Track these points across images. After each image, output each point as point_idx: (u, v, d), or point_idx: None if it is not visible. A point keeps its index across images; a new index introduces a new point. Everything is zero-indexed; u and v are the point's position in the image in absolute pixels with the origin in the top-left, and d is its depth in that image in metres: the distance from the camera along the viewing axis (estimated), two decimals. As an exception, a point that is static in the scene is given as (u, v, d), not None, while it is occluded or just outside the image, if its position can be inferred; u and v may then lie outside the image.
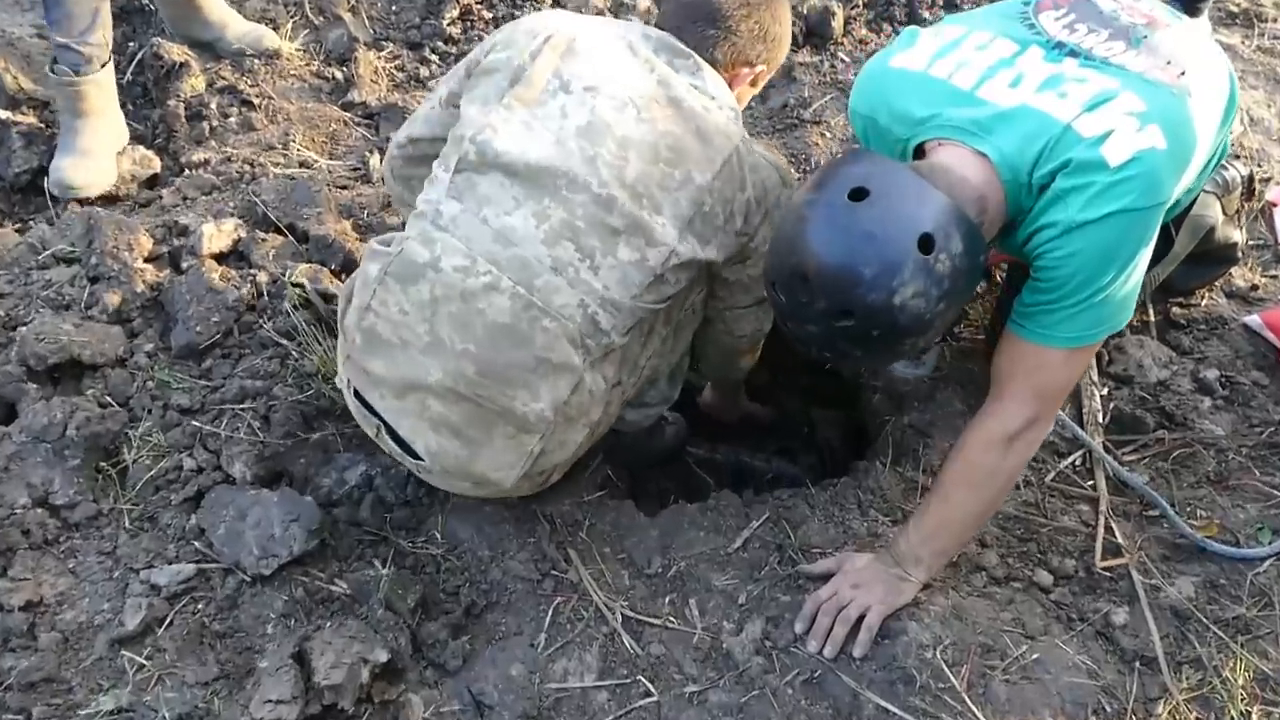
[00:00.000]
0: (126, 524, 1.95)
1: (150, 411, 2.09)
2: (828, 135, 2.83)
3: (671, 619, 1.82)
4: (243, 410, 2.08)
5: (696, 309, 1.92)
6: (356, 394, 1.79)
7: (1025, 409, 1.63)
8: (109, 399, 2.10)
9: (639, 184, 1.62)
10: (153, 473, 2.00)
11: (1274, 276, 2.62)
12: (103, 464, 2.02)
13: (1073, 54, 1.63)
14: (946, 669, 1.66)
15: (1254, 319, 2.47)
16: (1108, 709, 1.63)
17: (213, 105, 2.90)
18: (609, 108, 1.63)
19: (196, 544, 1.90)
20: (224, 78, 2.98)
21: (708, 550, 1.93)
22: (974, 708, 1.61)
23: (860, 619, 1.72)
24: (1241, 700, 1.63)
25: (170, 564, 1.88)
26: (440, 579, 1.89)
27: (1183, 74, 1.64)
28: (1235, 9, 3.35)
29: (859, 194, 1.42)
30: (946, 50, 1.67)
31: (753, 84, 1.89)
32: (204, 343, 2.18)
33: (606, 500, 2.04)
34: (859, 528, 1.96)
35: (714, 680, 1.72)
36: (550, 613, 1.83)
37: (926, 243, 1.39)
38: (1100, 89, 1.54)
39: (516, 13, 3.35)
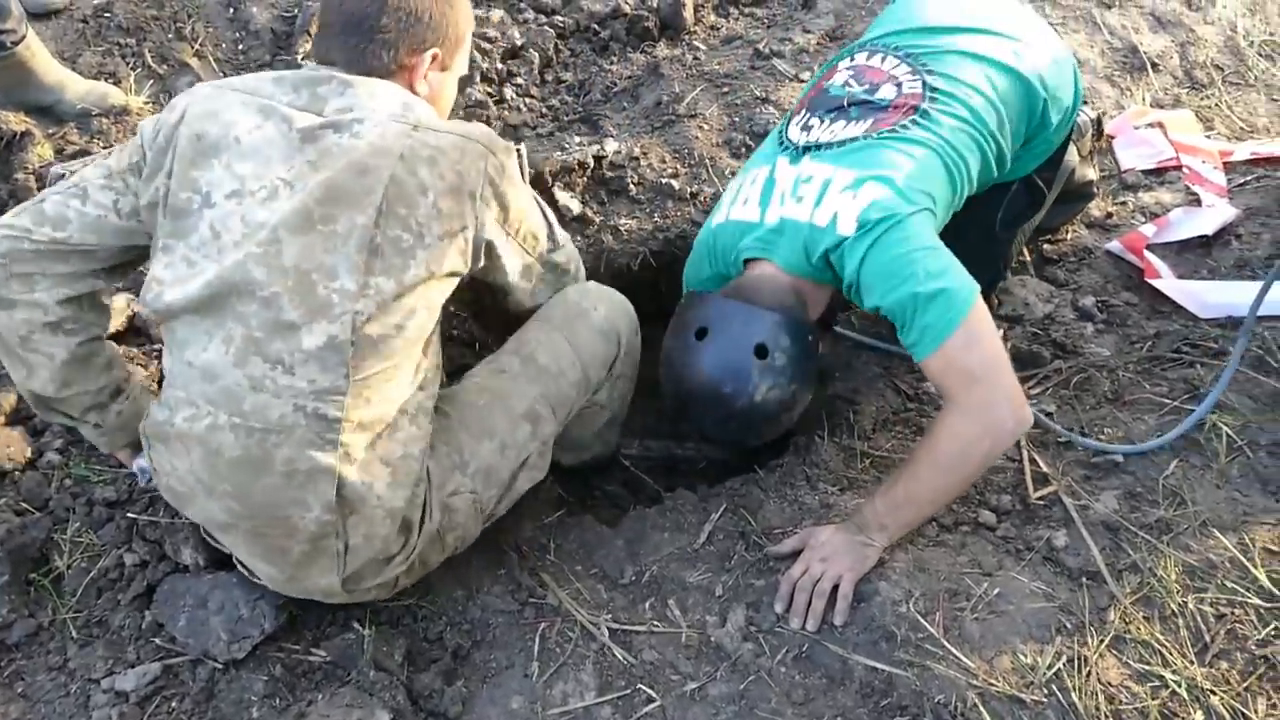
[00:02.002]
0: (73, 634, 1.86)
1: (74, 511, 1.99)
2: (706, 127, 2.90)
3: (656, 623, 1.87)
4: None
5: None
6: None
7: (973, 396, 1.73)
8: (26, 505, 1.98)
9: (300, 263, 1.53)
10: (91, 575, 1.91)
11: (1123, 204, 2.86)
12: (33, 575, 1.91)
13: (807, 150, 1.93)
14: (921, 619, 1.77)
15: (1114, 245, 2.69)
16: (1068, 625, 1.77)
17: (66, 174, 2.73)
18: (257, 204, 1.55)
19: (157, 640, 1.83)
20: (73, 142, 2.81)
21: (675, 550, 1.99)
22: (954, 650, 1.72)
23: (834, 589, 1.81)
24: (1177, 593, 1.80)
25: (133, 667, 1.81)
26: (421, 628, 1.88)
27: (914, 107, 1.93)
28: (1045, -41, 3.60)
29: (701, 333, 1.83)
30: (735, 196, 2.00)
31: (442, 68, 1.75)
32: (119, 429, 2.08)
33: (566, 519, 2.07)
34: (812, 502, 2.05)
35: (710, 674, 1.77)
36: (537, 640, 1.85)
37: (761, 350, 1.79)
38: (820, 182, 1.86)
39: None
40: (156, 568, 1.91)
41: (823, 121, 1.97)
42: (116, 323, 2.24)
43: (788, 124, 2.05)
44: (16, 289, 1.66)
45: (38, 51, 2.83)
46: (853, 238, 1.78)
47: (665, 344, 1.94)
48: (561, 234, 1.94)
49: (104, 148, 2.82)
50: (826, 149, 1.90)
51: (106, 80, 3.03)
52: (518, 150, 1.81)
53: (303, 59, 1.75)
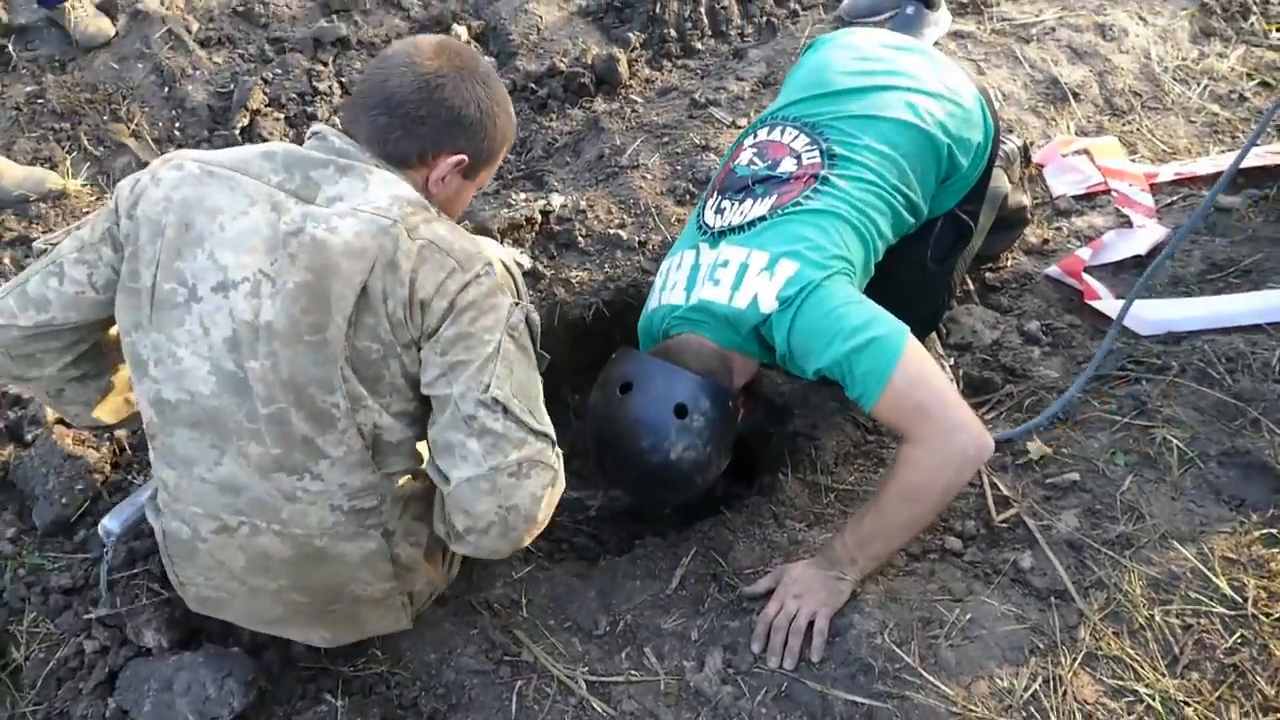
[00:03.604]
0: (34, 727, 1.80)
1: (29, 601, 1.94)
2: (649, 177, 2.95)
3: (634, 672, 1.86)
4: (135, 575, 1.95)
5: None
6: None
7: (930, 428, 1.77)
8: (-21, 598, 1.93)
9: (295, 376, 1.49)
10: (51, 665, 1.87)
11: (1058, 229, 2.95)
12: (-11, 670, 1.85)
13: (722, 234, 2.00)
14: (897, 649, 1.78)
15: (1053, 269, 2.77)
16: (1040, 646, 1.79)
17: (5, 259, 2.70)
18: (242, 299, 1.49)
19: (121, 728, 1.78)
20: (11, 229, 2.79)
21: (648, 597, 1.98)
22: (931, 678, 1.73)
23: (810, 625, 1.82)
24: (1144, 607, 1.84)
25: (97, 757, 1.75)
26: (394, 695, 1.85)
27: (814, 175, 1.99)
28: (964, 0, 3.74)
29: (625, 387, 1.90)
30: (665, 282, 2.08)
31: (465, 175, 1.67)
32: (73, 514, 2.04)
33: (536, 573, 2.06)
34: (780, 539, 2.06)
35: (692, 720, 1.77)
36: (514, 698, 1.83)
37: (681, 410, 1.85)
38: (737, 265, 1.92)
39: (308, 108, 3.31)
40: (118, 653, 1.87)
41: (732, 203, 2.04)
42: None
43: (704, 208, 2.12)
44: (24, 368, 1.69)
45: None
46: (776, 311, 1.84)
47: (591, 396, 2.00)
48: (543, 423, 1.58)
49: (44, 232, 2.79)
50: (739, 231, 1.97)
51: (43, 165, 3.01)
52: (527, 315, 1.64)
53: (311, 127, 1.65)
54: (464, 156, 1.64)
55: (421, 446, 1.65)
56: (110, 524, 1.82)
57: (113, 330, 1.69)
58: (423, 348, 1.54)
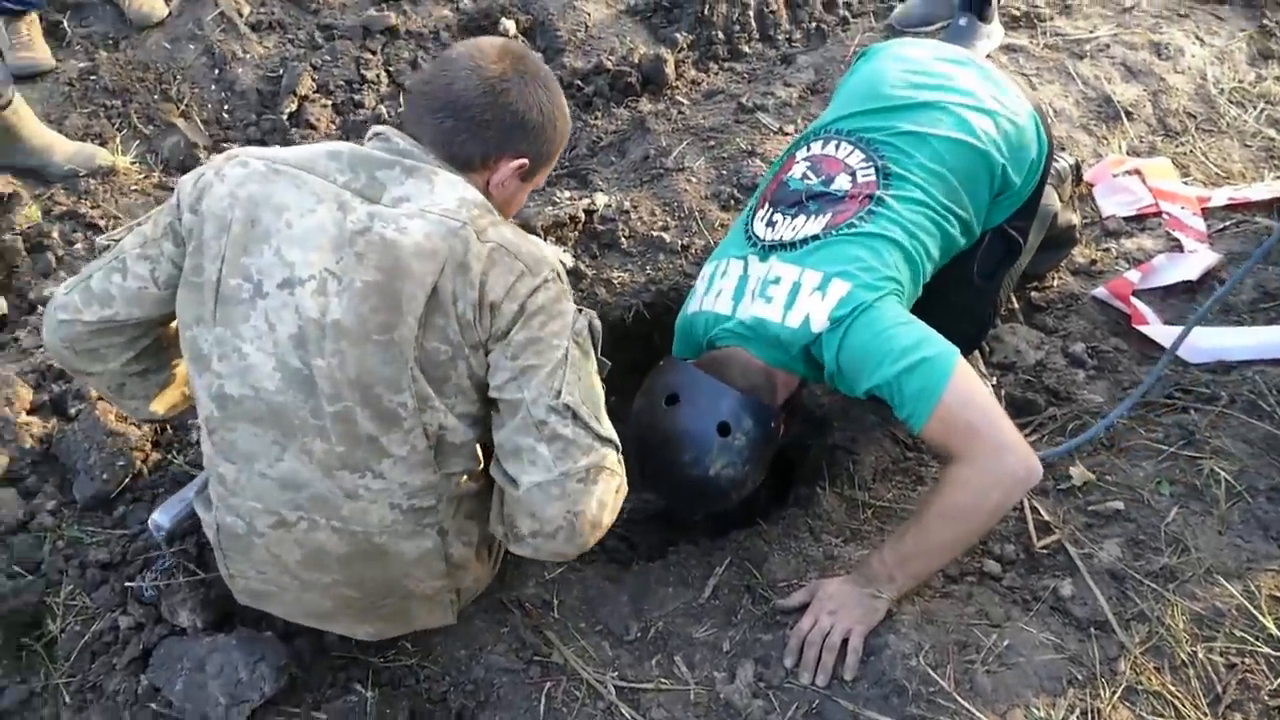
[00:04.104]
0: (66, 699, 1.82)
1: (67, 574, 1.95)
2: (694, 180, 2.93)
3: (663, 680, 1.84)
4: (172, 554, 1.96)
5: None
6: None
7: (979, 449, 1.75)
8: (18, 569, 1.95)
9: (362, 375, 1.49)
10: (86, 639, 1.87)
11: (1107, 250, 2.90)
12: (25, 640, 1.87)
13: (773, 248, 1.98)
14: (932, 672, 1.76)
15: (1101, 291, 2.73)
16: (1079, 677, 1.76)
17: (54, 234, 2.73)
18: (308, 296, 1.48)
19: (153, 706, 1.80)
20: (61, 203, 2.81)
21: (681, 605, 1.97)
22: (966, 704, 1.71)
23: (844, 642, 1.80)
24: (1186, 642, 1.80)
25: (128, 734, 1.76)
26: (423, 689, 1.85)
27: (870, 195, 1.97)
28: (1017, 13, 3.69)
29: (672, 399, 1.91)
30: (709, 286, 2.06)
31: (523, 177, 1.68)
32: (113, 490, 2.05)
33: (568, 575, 2.05)
34: (816, 554, 2.04)
35: (721, 732, 1.75)
36: (543, 699, 1.82)
37: (724, 428, 1.86)
38: (789, 284, 1.91)
39: (355, 96, 3.32)
40: (153, 630, 1.87)
41: (785, 218, 2.02)
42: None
43: (752, 217, 2.10)
44: (88, 363, 1.71)
45: (24, 115, 2.84)
46: (827, 330, 1.84)
47: (636, 402, 2.00)
48: (607, 429, 1.60)
49: (93, 208, 2.82)
50: (791, 248, 1.95)
51: (93, 141, 3.04)
52: (590, 321, 1.65)
53: (372, 129, 1.65)
54: (525, 160, 1.64)
55: (479, 448, 1.65)
56: (160, 518, 1.83)
57: (173, 325, 1.69)
58: (491, 350, 1.54)
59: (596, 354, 1.66)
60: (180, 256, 1.58)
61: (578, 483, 1.52)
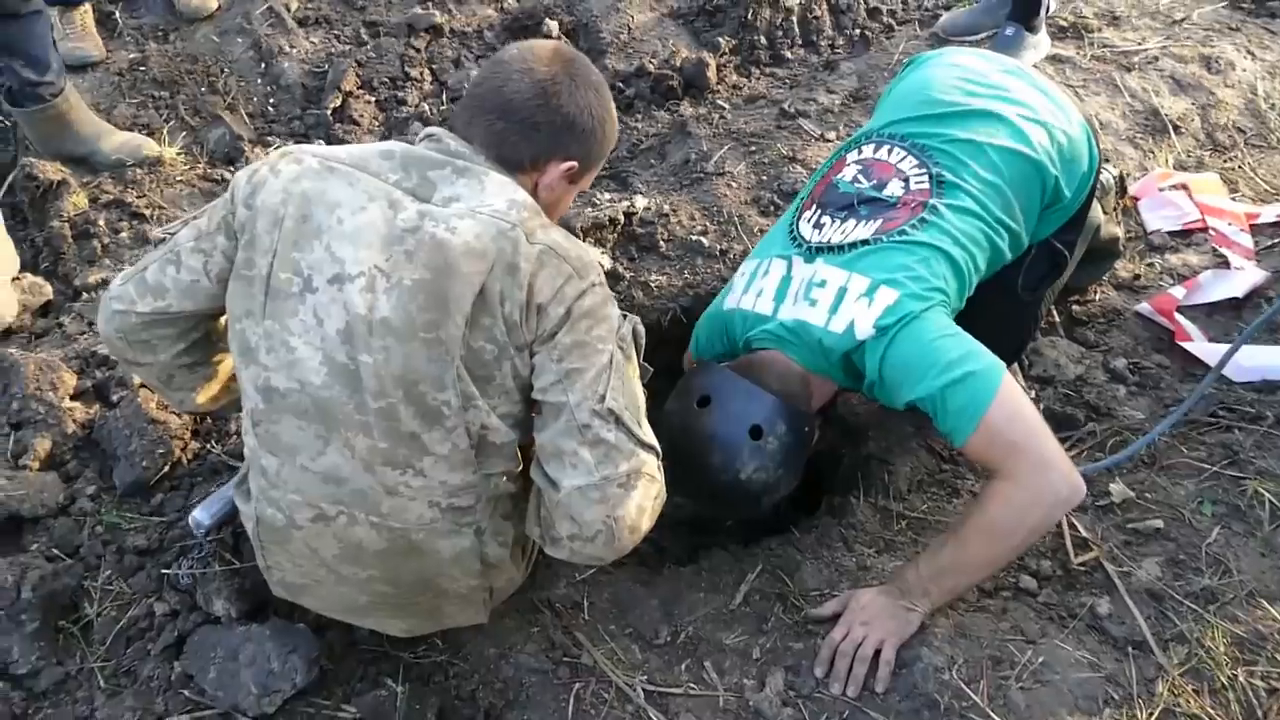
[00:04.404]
0: (101, 683, 1.83)
1: (105, 559, 1.97)
2: (734, 185, 2.92)
3: (692, 685, 1.84)
4: (209, 543, 1.98)
5: None
6: None
7: (1023, 465, 1.73)
8: (57, 552, 1.97)
9: (408, 373, 1.49)
10: (121, 624, 1.89)
11: (1151, 265, 2.87)
12: (62, 623, 1.89)
13: (819, 250, 1.95)
14: (965, 687, 1.74)
15: (1144, 306, 2.69)
16: (1115, 697, 1.74)
17: (100, 222, 2.76)
18: (357, 293, 1.49)
19: (186, 693, 1.80)
20: (107, 192, 2.85)
21: (711, 611, 1.96)
22: (999, 720, 1.69)
23: (876, 654, 1.79)
24: (1227, 666, 1.77)
25: (161, 719, 1.78)
26: (453, 685, 1.85)
27: (922, 203, 1.94)
28: (1065, 24, 3.65)
29: (704, 401, 1.89)
30: (749, 284, 2.04)
31: (571, 180, 1.68)
32: (152, 477, 2.07)
33: (599, 576, 2.04)
34: (849, 564, 2.03)
35: (749, 739, 1.74)
36: (571, 700, 1.82)
37: (756, 432, 1.84)
38: (835, 288, 1.89)
39: (399, 93, 3.34)
40: (188, 618, 1.89)
41: (833, 220, 1.99)
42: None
43: (798, 217, 2.08)
44: (140, 353, 1.72)
45: (75, 104, 2.88)
46: (872, 339, 1.82)
47: (668, 404, 1.98)
48: (648, 435, 1.60)
49: (138, 197, 2.86)
50: (838, 252, 1.93)
51: (141, 132, 3.08)
52: (634, 327, 1.65)
53: (424, 130, 1.67)
54: (575, 163, 1.65)
55: (519, 450, 1.66)
56: (201, 515, 1.85)
57: (223, 320, 1.71)
58: (536, 352, 1.55)
59: (639, 359, 1.66)
60: (233, 250, 1.59)
61: (618, 488, 1.52)
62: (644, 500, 1.55)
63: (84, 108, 2.94)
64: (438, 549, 1.63)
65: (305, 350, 1.52)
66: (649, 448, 1.58)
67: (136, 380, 2.20)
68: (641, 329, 1.67)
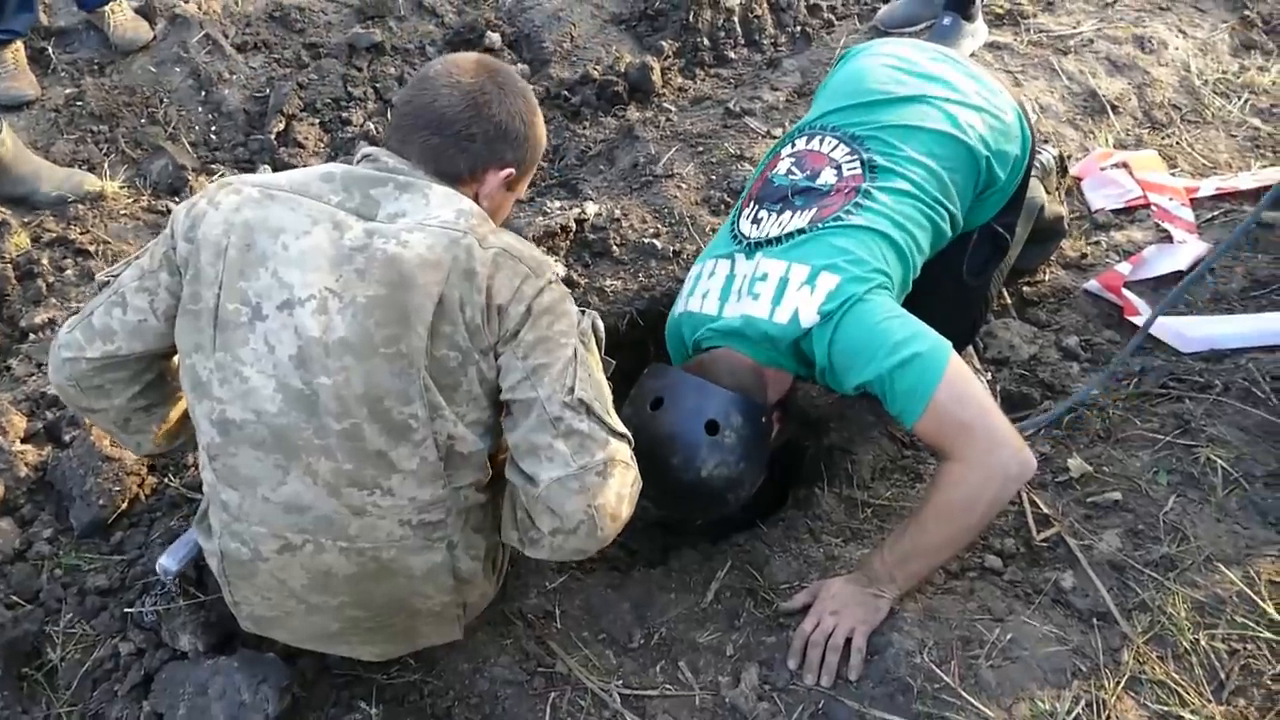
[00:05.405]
0: (69, 729, 1.80)
1: (66, 601, 1.94)
2: (684, 186, 2.94)
3: (668, 686, 1.84)
4: (171, 579, 1.95)
5: None
6: None
7: (973, 445, 1.75)
8: (16, 598, 1.94)
9: (371, 390, 1.49)
10: (86, 666, 1.87)
11: (1096, 243, 2.91)
12: (25, 670, 1.86)
13: (759, 245, 1.98)
14: (936, 669, 1.76)
15: (1092, 284, 2.74)
16: (1083, 669, 1.76)
17: (44, 261, 2.72)
18: (309, 316, 1.49)
19: (157, 731, 1.78)
20: (50, 230, 2.81)
21: (683, 610, 1.97)
22: (972, 699, 1.70)
23: (847, 642, 1.80)
24: (1189, 630, 1.80)
25: (131, 761, 1.75)
26: (428, 704, 1.84)
27: (856, 189, 1.97)
28: (1000, 11, 3.71)
29: (657, 403, 1.88)
30: (694, 287, 2.06)
31: (509, 187, 1.71)
32: (110, 515, 2.05)
33: (569, 584, 2.04)
34: (817, 554, 2.04)
35: (727, 736, 1.75)
36: (548, 710, 1.82)
37: (712, 426, 1.84)
38: (776, 279, 1.90)
39: (343, 114, 3.32)
40: (154, 655, 1.86)
41: (770, 214, 2.01)
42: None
43: (738, 216, 2.10)
44: (94, 399, 1.71)
45: (11, 146, 2.83)
46: (818, 325, 1.83)
47: (623, 410, 1.95)
48: (619, 424, 1.61)
49: (82, 234, 2.82)
50: (777, 244, 1.95)
51: (81, 167, 3.03)
52: (594, 321, 1.68)
53: (360, 151, 1.67)
54: (512, 169, 1.68)
55: (484, 460, 1.65)
56: (167, 562, 1.82)
57: (174, 359, 1.70)
58: (501, 353, 1.56)
59: (600, 353, 1.67)
60: (177, 286, 1.58)
61: (596, 475, 1.52)
62: (622, 488, 1.56)
63: (21, 148, 2.89)
64: (409, 566, 1.61)
65: (258, 379, 1.51)
66: (621, 436, 1.59)
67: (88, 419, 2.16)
68: (600, 323, 1.69)
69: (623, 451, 1.58)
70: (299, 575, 1.60)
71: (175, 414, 1.81)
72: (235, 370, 1.52)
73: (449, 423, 1.55)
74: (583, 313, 1.66)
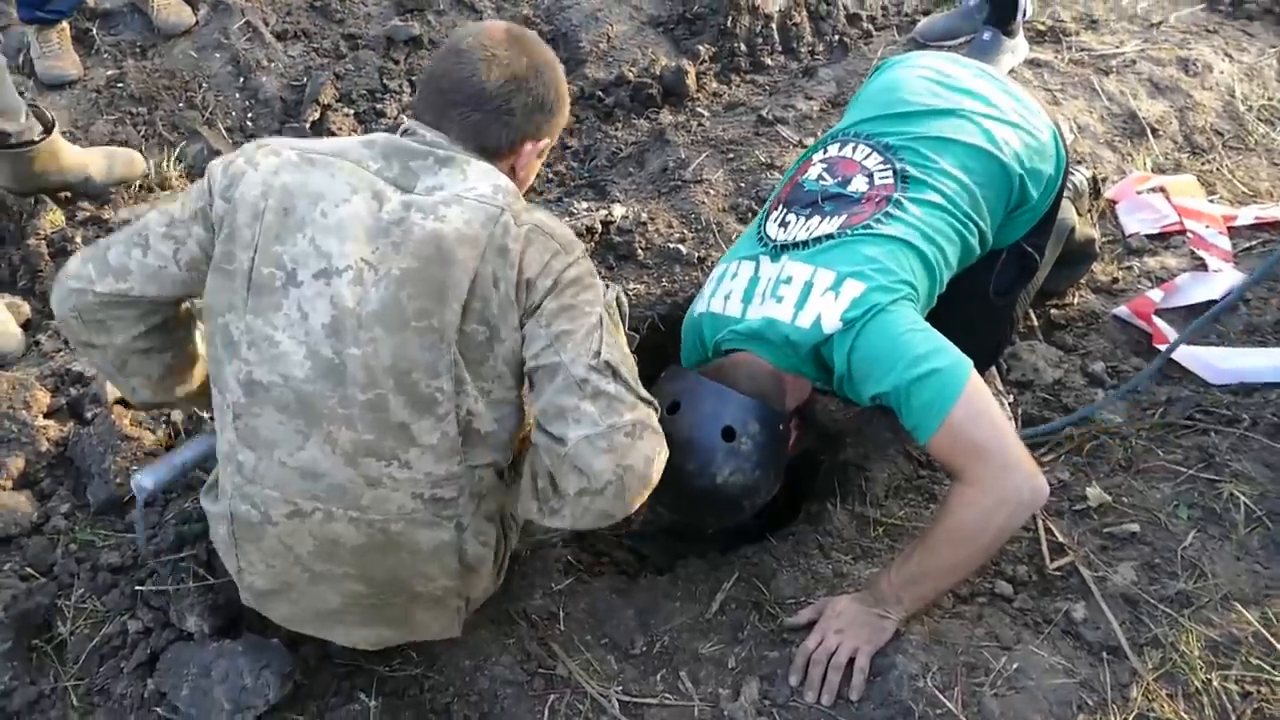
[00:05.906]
0: (74, 702, 1.82)
1: (79, 577, 1.96)
2: (712, 193, 2.93)
3: (667, 695, 1.83)
4: (182, 559, 1.97)
5: None
6: None
7: (985, 468, 1.73)
8: (30, 571, 1.96)
9: (399, 362, 1.51)
10: (94, 642, 1.88)
11: (1129, 268, 2.87)
12: (35, 641, 1.88)
13: (785, 248, 1.96)
14: (940, 694, 1.74)
15: (1122, 309, 2.69)
16: (1090, 703, 1.73)
17: (78, 239, 2.76)
18: (345, 286, 1.51)
19: (159, 710, 1.80)
20: (84, 208, 2.85)
21: (687, 620, 1.96)
22: (974, 727, 1.69)
23: (850, 662, 1.78)
24: (1201, 670, 1.77)
25: (133, 738, 1.77)
26: (427, 699, 1.84)
27: (887, 198, 1.95)
28: (1043, 27, 3.67)
29: (673, 408, 1.84)
30: (717, 288, 2.03)
31: (539, 155, 1.74)
32: (126, 494, 2.06)
33: (576, 586, 2.04)
34: (825, 571, 2.02)
35: (724, 749, 1.74)
36: (546, 712, 1.81)
37: (729, 433, 1.81)
38: (801, 283, 1.88)
39: (377, 105, 3.34)
40: (160, 635, 1.87)
41: (798, 218, 2.00)
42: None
43: (765, 219, 2.08)
44: (94, 334, 1.69)
45: (60, 147, 2.81)
46: (840, 332, 1.81)
47: None
48: (645, 391, 1.61)
49: (114, 213, 2.84)
50: (803, 248, 1.94)
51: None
52: (619, 294, 1.71)
53: (403, 118, 1.69)
54: (548, 140, 1.71)
55: (504, 443, 1.67)
56: (144, 480, 1.80)
57: (183, 308, 1.71)
58: (525, 325, 1.57)
59: (625, 328, 1.69)
60: (209, 242, 1.59)
61: (625, 436, 1.50)
62: (650, 451, 1.54)
63: (65, 146, 2.86)
64: (416, 541, 1.61)
65: (289, 344, 1.53)
66: (649, 402, 1.59)
67: (111, 396, 2.19)
68: (625, 298, 1.71)
69: (651, 417, 1.57)
70: (306, 542, 1.61)
71: (175, 367, 1.80)
72: (266, 334, 1.54)
73: (470, 398, 1.56)
74: (608, 286, 1.67)
